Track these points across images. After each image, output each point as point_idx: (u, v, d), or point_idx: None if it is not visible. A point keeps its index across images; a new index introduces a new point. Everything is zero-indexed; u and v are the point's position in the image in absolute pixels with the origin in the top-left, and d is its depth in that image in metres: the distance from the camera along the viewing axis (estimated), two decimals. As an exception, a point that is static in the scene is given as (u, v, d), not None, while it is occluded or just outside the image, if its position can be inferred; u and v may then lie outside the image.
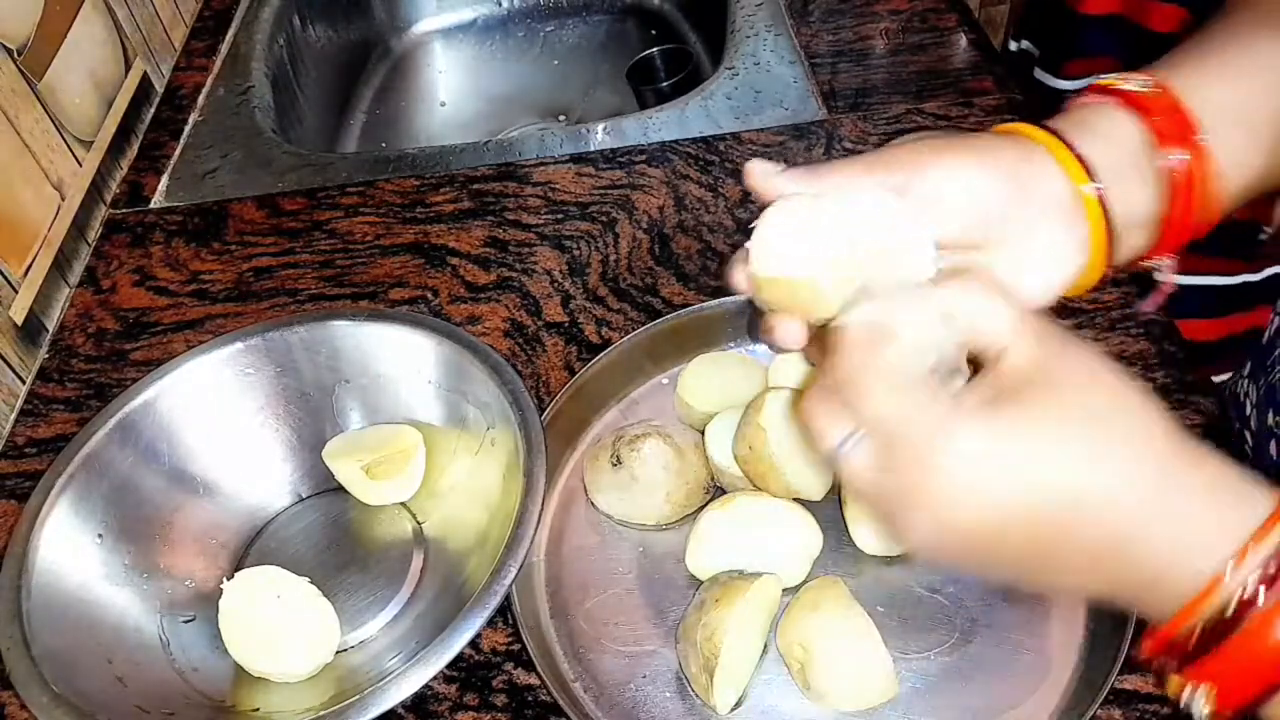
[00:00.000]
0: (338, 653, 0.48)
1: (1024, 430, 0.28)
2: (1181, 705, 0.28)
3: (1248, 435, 0.54)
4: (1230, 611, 0.27)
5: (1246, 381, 0.55)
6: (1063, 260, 0.36)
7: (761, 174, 0.36)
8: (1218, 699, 0.27)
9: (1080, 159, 0.35)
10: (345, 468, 0.52)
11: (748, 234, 0.35)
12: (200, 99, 0.82)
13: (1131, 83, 0.36)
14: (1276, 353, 0.53)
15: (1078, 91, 0.38)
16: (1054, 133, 0.36)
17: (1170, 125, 0.35)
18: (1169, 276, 0.39)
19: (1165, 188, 0.35)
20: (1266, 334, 0.55)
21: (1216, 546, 0.27)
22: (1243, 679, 0.27)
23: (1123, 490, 0.28)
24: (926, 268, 0.34)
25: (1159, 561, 0.28)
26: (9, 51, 0.64)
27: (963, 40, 0.79)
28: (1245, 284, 0.69)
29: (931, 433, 0.29)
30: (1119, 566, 0.29)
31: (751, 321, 0.43)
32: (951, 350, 0.31)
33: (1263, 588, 0.26)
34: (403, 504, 0.54)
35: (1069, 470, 0.28)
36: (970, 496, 0.28)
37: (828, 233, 0.34)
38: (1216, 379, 0.66)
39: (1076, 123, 0.36)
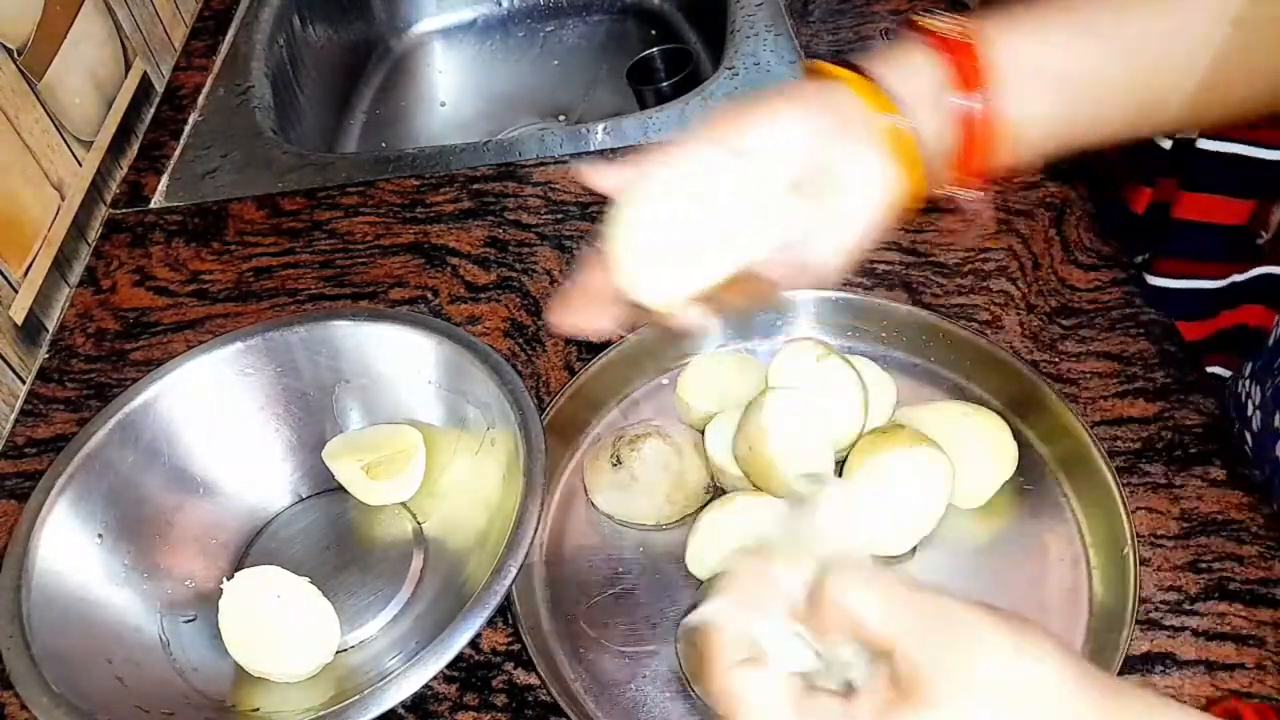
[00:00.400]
0: (338, 653, 0.48)
1: None
2: None
3: (1248, 436, 0.54)
4: None
5: (1249, 382, 0.55)
6: (884, 182, 0.38)
7: (593, 171, 0.38)
8: None
9: (883, 91, 0.37)
10: (345, 468, 0.52)
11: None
12: (200, 99, 0.82)
13: (942, 24, 0.38)
14: None
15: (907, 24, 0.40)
16: (857, 69, 0.38)
17: (965, 70, 0.37)
18: (977, 204, 0.41)
19: (955, 127, 0.37)
20: (1274, 335, 0.55)
21: None
22: None
23: None
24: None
25: None
26: (9, 51, 0.64)
27: (963, 40, 0.79)
28: (1232, 284, 0.69)
29: None
30: None
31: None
32: (833, 654, 0.30)
33: None
34: (403, 504, 0.54)
35: None
36: None
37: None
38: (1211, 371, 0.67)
39: (883, 59, 0.39)
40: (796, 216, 0.37)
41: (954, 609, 0.29)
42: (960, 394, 0.55)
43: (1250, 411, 0.54)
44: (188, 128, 0.79)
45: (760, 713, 0.29)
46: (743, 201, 0.37)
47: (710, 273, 0.37)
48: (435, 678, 0.41)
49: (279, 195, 0.72)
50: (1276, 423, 0.51)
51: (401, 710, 0.46)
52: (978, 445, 0.50)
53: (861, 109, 0.37)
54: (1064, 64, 0.38)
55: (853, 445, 0.50)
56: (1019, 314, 0.58)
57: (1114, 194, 0.71)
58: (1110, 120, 0.39)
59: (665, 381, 0.57)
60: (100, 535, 0.48)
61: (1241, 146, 0.63)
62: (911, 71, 0.38)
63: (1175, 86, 0.38)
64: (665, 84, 0.89)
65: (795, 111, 0.37)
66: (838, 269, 0.39)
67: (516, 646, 0.47)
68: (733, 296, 0.39)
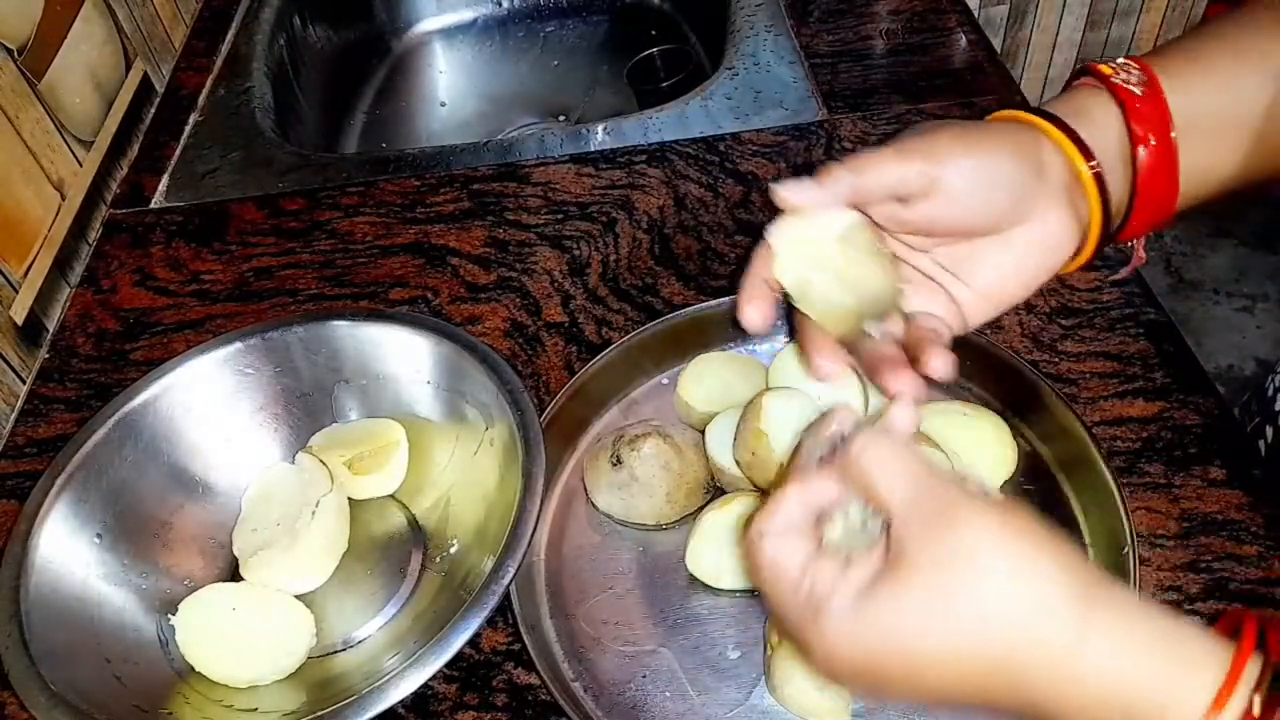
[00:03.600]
0: (337, 652, 0.48)
1: (888, 621, 0.29)
2: None
3: (1269, 431, 0.54)
4: None
5: None
6: (1062, 241, 0.38)
7: (793, 192, 0.36)
8: None
9: (1080, 143, 0.37)
10: (329, 461, 0.52)
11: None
12: (200, 99, 0.82)
13: (1123, 75, 0.38)
14: None
15: (1081, 69, 0.40)
16: (1058, 121, 0.38)
17: (1148, 122, 0.37)
18: (1141, 252, 0.42)
19: (1134, 177, 0.38)
20: None
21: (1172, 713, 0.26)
22: None
23: (1025, 659, 0.28)
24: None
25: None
26: (9, 51, 0.64)
27: (963, 40, 0.79)
28: None
29: (803, 623, 0.31)
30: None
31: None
32: (854, 514, 0.32)
33: None
34: (402, 503, 0.54)
35: (947, 651, 0.28)
36: (852, 683, 0.31)
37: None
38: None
39: (1071, 108, 0.38)
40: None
41: (957, 491, 0.30)
42: (960, 394, 0.55)
43: (1279, 407, 0.54)
44: (188, 128, 0.79)
45: (770, 569, 0.32)
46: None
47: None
48: (435, 677, 0.41)
49: (279, 195, 0.72)
50: None
51: (401, 710, 0.46)
52: (978, 445, 0.50)
53: (1060, 165, 0.37)
54: (1244, 108, 0.38)
55: (852, 445, 0.50)
56: (1019, 314, 0.58)
57: None
58: (1275, 162, 0.39)
59: (665, 381, 0.57)
60: (99, 535, 0.48)
61: None
62: (1097, 125, 0.38)
63: None
64: (665, 84, 0.89)
65: (1006, 155, 0.36)
66: (980, 320, 0.39)
67: (516, 646, 0.47)
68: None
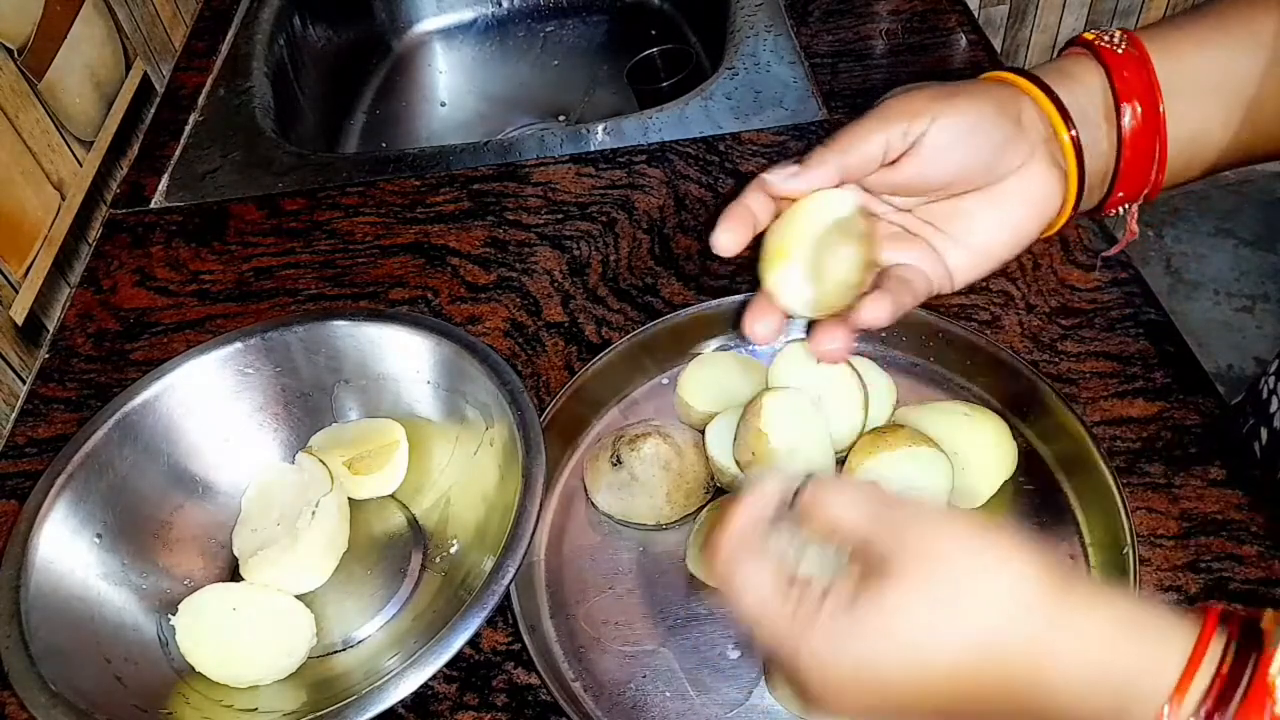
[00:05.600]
0: (337, 652, 0.48)
1: (875, 625, 0.29)
2: None
3: (1263, 433, 0.53)
4: None
5: (1275, 379, 0.55)
6: (1046, 195, 0.38)
7: (781, 180, 0.37)
8: None
9: (1061, 106, 0.37)
10: (329, 461, 0.52)
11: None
12: (200, 99, 0.82)
13: (1108, 39, 0.38)
14: None
15: (1070, 41, 0.40)
16: (1038, 80, 0.38)
17: (1132, 83, 0.37)
18: (1134, 225, 0.41)
19: (1119, 141, 0.38)
20: None
21: (1144, 694, 0.27)
22: None
23: (1006, 644, 0.28)
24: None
25: (1082, 709, 0.28)
26: (10, 51, 0.64)
27: (963, 40, 0.79)
28: None
29: (793, 640, 0.30)
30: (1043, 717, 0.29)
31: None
32: (821, 553, 0.32)
33: None
34: (402, 503, 0.54)
35: (933, 645, 0.29)
36: (842, 699, 0.30)
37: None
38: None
39: (1055, 72, 0.38)
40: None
41: (915, 505, 0.31)
42: (960, 394, 0.55)
43: (1274, 409, 0.54)
44: (188, 128, 0.79)
45: (751, 590, 0.32)
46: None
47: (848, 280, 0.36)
48: (435, 677, 0.41)
49: (279, 195, 0.72)
50: None
51: (401, 710, 0.46)
52: (978, 445, 0.50)
53: (1040, 120, 0.37)
54: (1232, 77, 0.38)
55: (853, 445, 0.50)
56: (1019, 314, 0.58)
57: None
58: (1269, 134, 0.39)
59: (665, 381, 0.57)
60: (99, 535, 0.48)
61: None
62: (1081, 86, 0.38)
63: None
64: (665, 84, 0.89)
65: (989, 112, 0.36)
66: (970, 278, 0.39)
67: (516, 646, 0.47)
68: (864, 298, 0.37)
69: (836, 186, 0.37)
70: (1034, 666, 0.28)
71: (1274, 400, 0.54)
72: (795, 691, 0.33)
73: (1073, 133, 0.37)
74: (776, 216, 0.37)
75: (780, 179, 0.37)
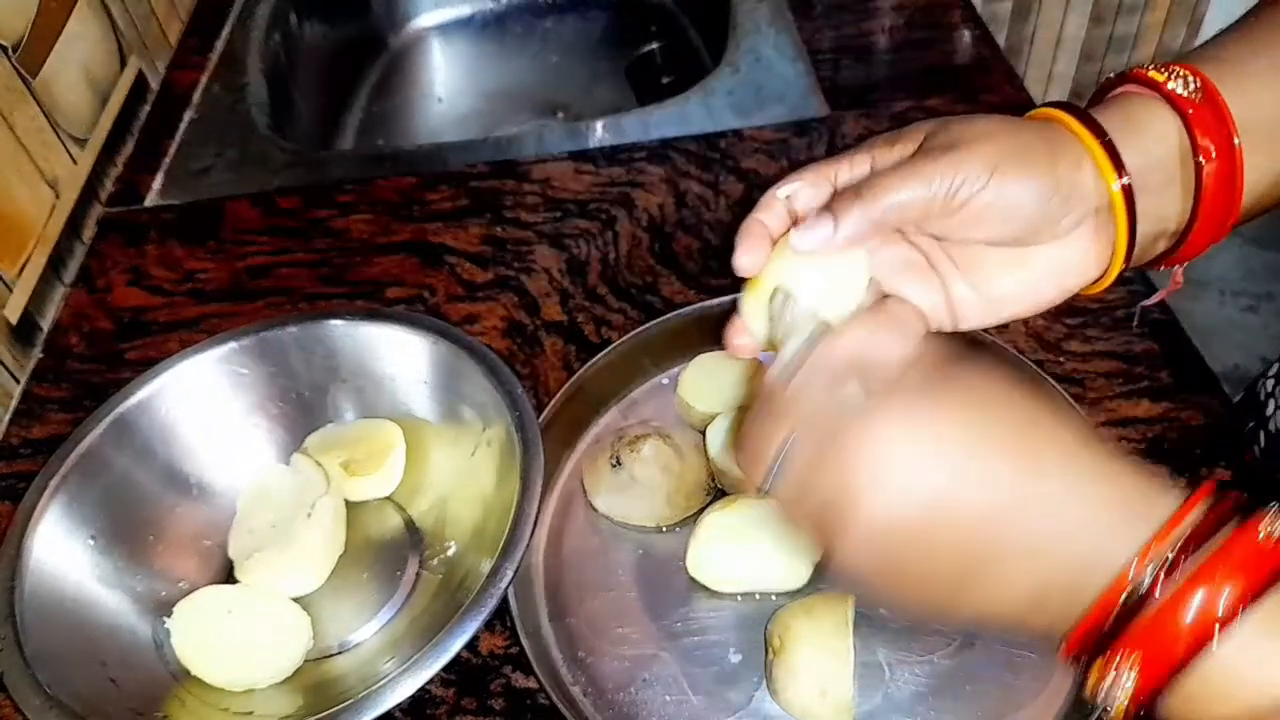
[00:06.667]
0: (333, 655, 0.47)
1: (946, 415, 0.29)
2: (1102, 697, 0.28)
3: (1262, 435, 0.53)
4: (1138, 598, 0.27)
5: (1272, 382, 0.55)
6: (1086, 264, 0.36)
7: (804, 241, 0.35)
8: (1141, 670, 0.27)
9: (1117, 160, 0.34)
10: (325, 463, 0.52)
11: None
12: (196, 96, 0.81)
13: (1177, 81, 0.35)
14: None
15: (1119, 76, 0.37)
16: (1094, 126, 0.34)
17: (1209, 129, 0.34)
18: (1179, 275, 0.39)
19: (1196, 197, 0.35)
20: None
21: (1127, 547, 0.28)
22: (1158, 653, 0.27)
23: (1049, 479, 0.28)
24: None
25: (1085, 559, 0.28)
26: (4, 49, 0.63)
27: (966, 36, 0.78)
28: None
29: (858, 420, 0.30)
30: (1052, 564, 0.28)
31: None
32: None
33: (1162, 574, 0.27)
34: (398, 505, 0.53)
35: (994, 456, 0.29)
36: (898, 486, 0.29)
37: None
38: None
39: (1119, 117, 0.35)
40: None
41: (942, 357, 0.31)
42: (963, 394, 0.54)
43: (1271, 410, 0.53)
44: (183, 125, 0.78)
45: (804, 396, 0.31)
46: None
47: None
48: (433, 680, 0.41)
49: (275, 193, 0.71)
50: None
51: (399, 713, 0.45)
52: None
53: (1096, 185, 0.34)
54: (1276, 110, 0.35)
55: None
56: (1022, 313, 0.58)
57: None
58: None
59: (665, 381, 0.56)
60: (94, 536, 0.47)
61: None
62: (1153, 140, 0.34)
63: None
64: (665, 80, 0.88)
65: (1035, 175, 0.33)
66: (974, 325, 0.37)
67: (515, 649, 0.46)
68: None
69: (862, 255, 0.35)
70: (1069, 511, 0.28)
71: (1270, 403, 0.53)
72: (828, 504, 0.31)
73: (1131, 206, 0.34)
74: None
75: (808, 241, 0.34)
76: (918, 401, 0.30)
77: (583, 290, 0.62)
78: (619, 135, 0.72)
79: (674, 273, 0.63)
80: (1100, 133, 0.34)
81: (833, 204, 0.34)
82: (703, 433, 0.52)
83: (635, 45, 0.92)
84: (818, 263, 0.35)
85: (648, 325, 0.56)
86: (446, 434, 0.52)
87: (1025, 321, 0.57)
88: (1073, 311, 0.58)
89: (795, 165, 0.68)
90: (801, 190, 0.36)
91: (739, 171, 0.69)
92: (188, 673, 0.46)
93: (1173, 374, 0.54)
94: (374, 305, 0.63)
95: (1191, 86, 0.34)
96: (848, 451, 0.29)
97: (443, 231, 0.67)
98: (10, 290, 0.62)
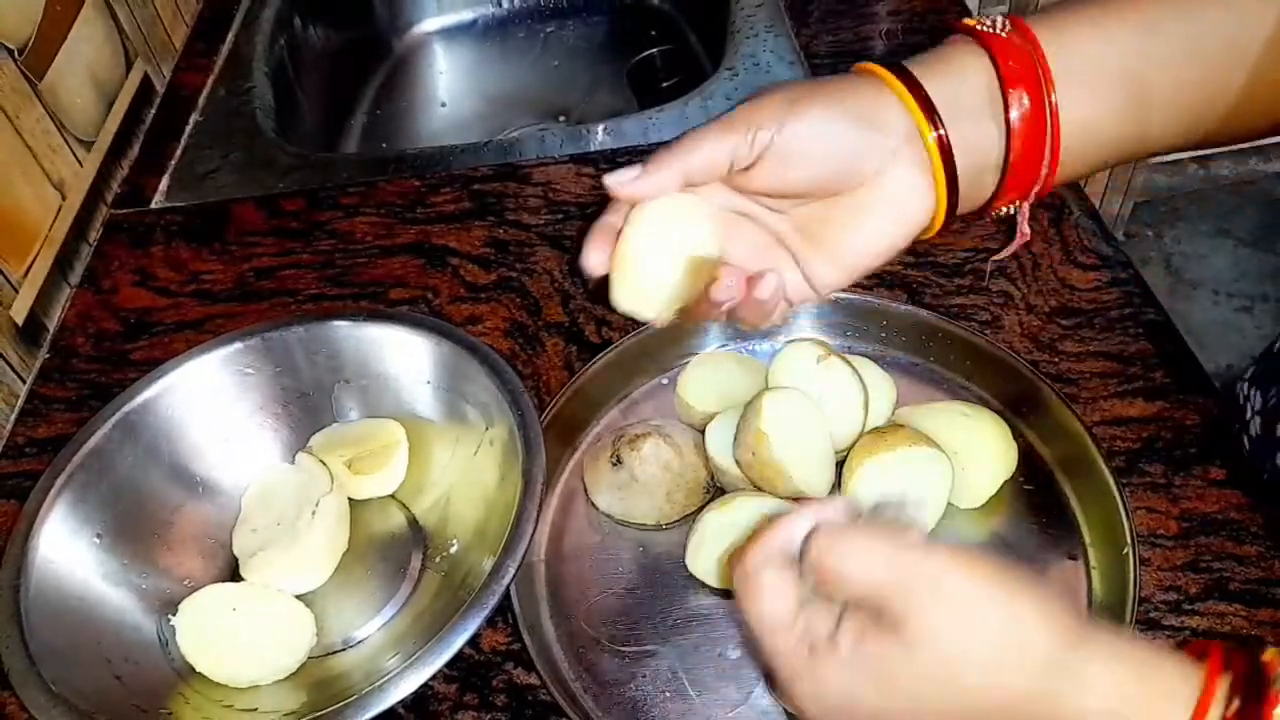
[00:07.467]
0: (337, 652, 0.48)
1: (880, 672, 0.29)
2: None
3: (1245, 440, 0.54)
4: None
5: (1248, 386, 0.55)
6: (913, 200, 0.36)
7: (621, 184, 0.36)
8: None
9: (922, 96, 0.35)
10: (329, 461, 0.52)
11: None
12: (201, 99, 0.82)
13: (990, 24, 0.36)
14: None
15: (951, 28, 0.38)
16: (906, 73, 0.36)
17: (1019, 69, 0.34)
18: (1024, 225, 0.38)
19: (1012, 136, 0.35)
20: (1278, 343, 0.55)
21: None
22: None
23: (1016, 701, 0.28)
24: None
25: None
26: (10, 52, 0.64)
27: (963, 41, 0.79)
28: None
29: (792, 673, 0.31)
30: None
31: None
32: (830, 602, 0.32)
33: None
34: (402, 503, 0.54)
35: (942, 699, 0.29)
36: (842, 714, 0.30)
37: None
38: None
39: (933, 62, 0.36)
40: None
41: (930, 552, 0.30)
42: (960, 394, 0.55)
43: (1249, 416, 0.54)
44: (188, 128, 0.79)
45: (767, 602, 0.32)
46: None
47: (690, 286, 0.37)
48: (435, 677, 0.41)
49: (280, 195, 0.72)
50: (1277, 433, 0.51)
51: (401, 710, 0.46)
52: (978, 445, 0.50)
53: (902, 117, 0.35)
54: (1127, 62, 0.35)
55: (853, 445, 0.50)
56: (1019, 314, 0.58)
57: None
58: (1174, 124, 0.36)
59: (665, 381, 0.57)
60: (99, 535, 0.48)
61: None
62: (962, 76, 0.35)
63: (1228, 85, 0.35)
64: (665, 84, 0.89)
65: (840, 116, 0.35)
66: (834, 287, 0.37)
67: (516, 646, 0.47)
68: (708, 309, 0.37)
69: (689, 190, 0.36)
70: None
71: (1249, 408, 0.54)
72: (791, 707, 0.33)
73: (939, 132, 0.35)
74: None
75: (621, 182, 0.36)
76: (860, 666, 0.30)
77: (584, 291, 0.63)
78: (620, 138, 0.73)
79: (674, 274, 0.63)
80: (900, 70, 0.35)
81: (650, 160, 0.36)
82: (702, 432, 0.52)
83: (636, 50, 0.93)
84: (662, 228, 0.36)
85: (647, 325, 0.56)
86: (449, 433, 0.53)
87: (1020, 322, 0.58)
88: (1068, 312, 0.58)
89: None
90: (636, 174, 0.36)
91: (738, 174, 0.69)
92: (192, 670, 0.46)
93: (1167, 374, 0.54)
94: (378, 306, 0.63)
95: (1000, 25, 0.35)
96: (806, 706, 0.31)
97: (446, 233, 0.68)
98: (17, 291, 0.63)
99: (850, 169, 0.35)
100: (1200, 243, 1.67)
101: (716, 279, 0.36)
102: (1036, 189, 0.37)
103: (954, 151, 0.35)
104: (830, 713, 0.31)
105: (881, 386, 0.53)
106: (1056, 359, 0.56)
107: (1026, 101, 0.34)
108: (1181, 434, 0.52)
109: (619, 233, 0.37)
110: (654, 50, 0.91)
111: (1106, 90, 0.35)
